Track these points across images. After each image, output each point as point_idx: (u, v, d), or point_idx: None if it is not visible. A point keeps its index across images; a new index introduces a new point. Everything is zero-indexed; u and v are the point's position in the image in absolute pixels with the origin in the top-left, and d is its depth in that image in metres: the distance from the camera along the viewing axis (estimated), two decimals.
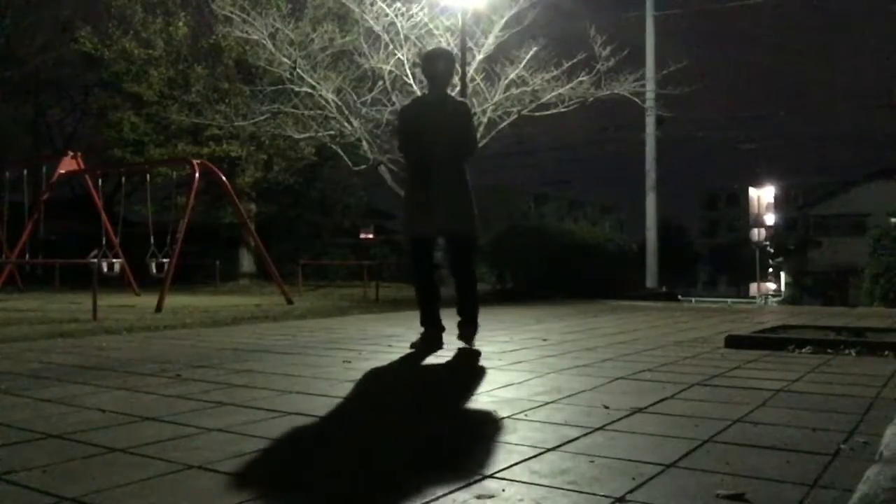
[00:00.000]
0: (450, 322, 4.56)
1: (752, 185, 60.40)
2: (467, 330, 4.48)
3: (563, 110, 14.95)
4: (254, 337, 5.43)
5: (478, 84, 15.45)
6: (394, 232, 28.53)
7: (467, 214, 4.46)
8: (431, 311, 4.53)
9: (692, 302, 17.29)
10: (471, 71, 14.69)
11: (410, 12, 14.91)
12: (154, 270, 10.96)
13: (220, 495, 1.67)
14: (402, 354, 4.26)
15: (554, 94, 14.77)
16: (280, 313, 7.89)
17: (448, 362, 3.97)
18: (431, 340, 4.44)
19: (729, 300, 24.52)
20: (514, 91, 15.62)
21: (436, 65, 4.60)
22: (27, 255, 12.55)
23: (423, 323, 4.54)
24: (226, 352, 4.45)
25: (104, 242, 12.81)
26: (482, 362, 3.92)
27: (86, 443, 2.15)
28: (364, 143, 16.31)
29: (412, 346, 4.43)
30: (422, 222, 4.43)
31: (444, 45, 15.02)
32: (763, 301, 32.88)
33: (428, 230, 4.48)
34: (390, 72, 15.39)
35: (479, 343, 4.85)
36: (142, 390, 3.06)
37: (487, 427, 2.38)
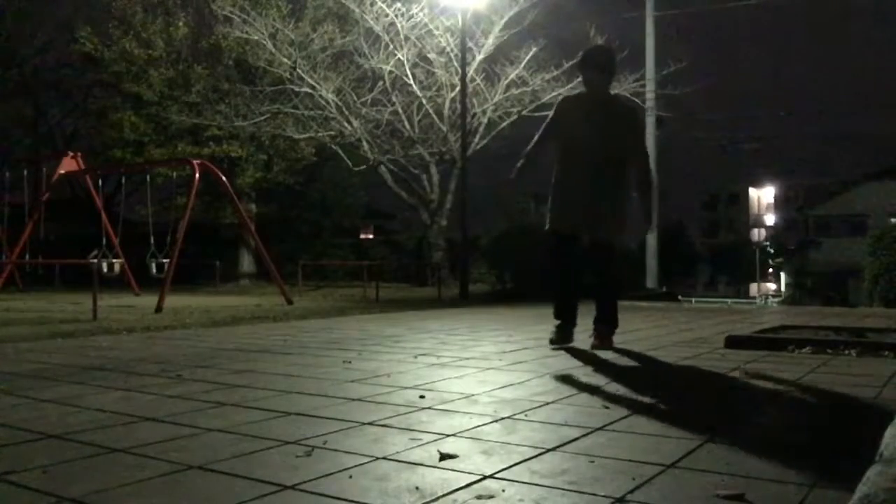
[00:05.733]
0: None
1: (752, 185, 60.47)
2: (603, 338, 4.43)
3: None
4: (254, 337, 5.43)
5: (478, 84, 15.46)
6: (394, 232, 28.53)
7: (614, 220, 4.45)
8: (570, 305, 4.50)
9: (692, 302, 17.29)
10: (471, 71, 14.70)
11: (410, 13, 14.91)
12: (154, 270, 10.97)
13: (220, 495, 1.67)
14: (403, 354, 4.26)
15: (554, 94, 14.78)
16: (280, 313, 7.89)
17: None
18: (566, 334, 4.46)
19: (729, 300, 24.53)
20: (514, 91, 15.60)
21: (594, 67, 4.46)
22: (27, 256, 12.55)
23: (557, 315, 4.51)
24: (226, 352, 4.45)
25: (104, 242, 12.82)
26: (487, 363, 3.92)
27: (86, 443, 2.16)
28: (364, 143, 16.30)
29: (550, 341, 4.44)
30: (571, 218, 4.39)
31: (443, 45, 15.04)
32: (763, 301, 32.91)
33: (575, 227, 4.43)
34: (390, 72, 15.39)
35: (479, 342, 4.85)
36: (142, 390, 3.06)
37: (489, 426, 2.38)
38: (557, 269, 4.58)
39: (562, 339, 4.43)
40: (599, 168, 4.31)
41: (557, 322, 4.49)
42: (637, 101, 16.05)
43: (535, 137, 4.56)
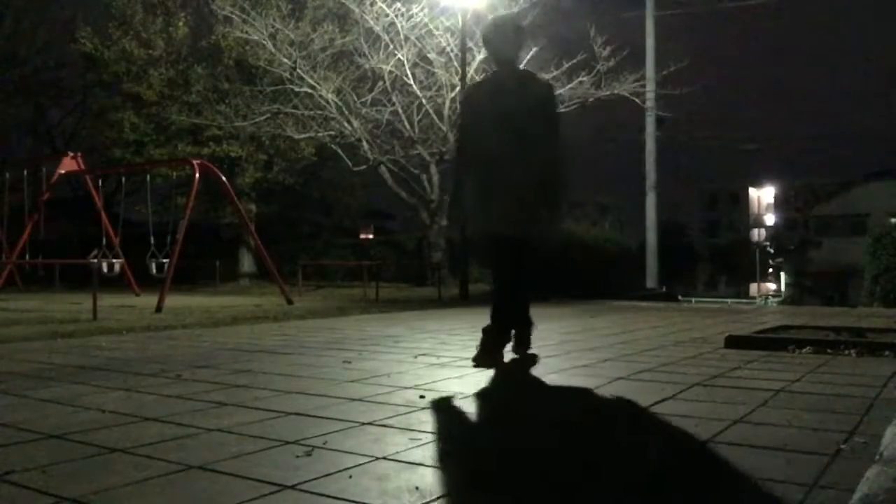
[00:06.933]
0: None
1: (752, 185, 60.52)
2: (523, 359, 3.90)
3: (563, 111, 14.96)
4: (254, 337, 5.43)
5: None
6: (393, 232, 28.56)
7: (532, 215, 3.77)
8: (504, 312, 3.85)
9: (692, 302, 17.30)
10: (471, 71, 14.70)
11: (410, 13, 14.90)
12: (154, 271, 10.96)
13: (220, 495, 1.67)
14: (403, 354, 4.26)
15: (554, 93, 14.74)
16: (280, 313, 7.89)
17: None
18: (494, 345, 3.77)
19: (729, 300, 24.51)
20: None
21: (496, 37, 3.90)
22: (27, 256, 12.55)
23: (493, 322, 3.86)
24: (226, 352, 4.45)
25: (104, 242, 12.82)
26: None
27: (86, 443, 2.16)
28: (364, 143, 16.30)
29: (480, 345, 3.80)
30: (489, 217, 3.82)
31: (443, 45, 15.05)
32: (763, 301, 32.89)
33: (494, 226, 3.81)
34: (390, 72, 15.39)
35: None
36: (142, 390, 3.06)
37: (490, 427, 2.38)
38: (495, 274, 4.02)
39: (490, 349, 3.76)
40: (512, 155, 3.71)
41: (490, 326, 3.85)
42: (637, 98, 16.04)
43: (456, 153, 4.02)
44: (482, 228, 3.90)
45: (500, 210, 3.74)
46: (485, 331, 3.80)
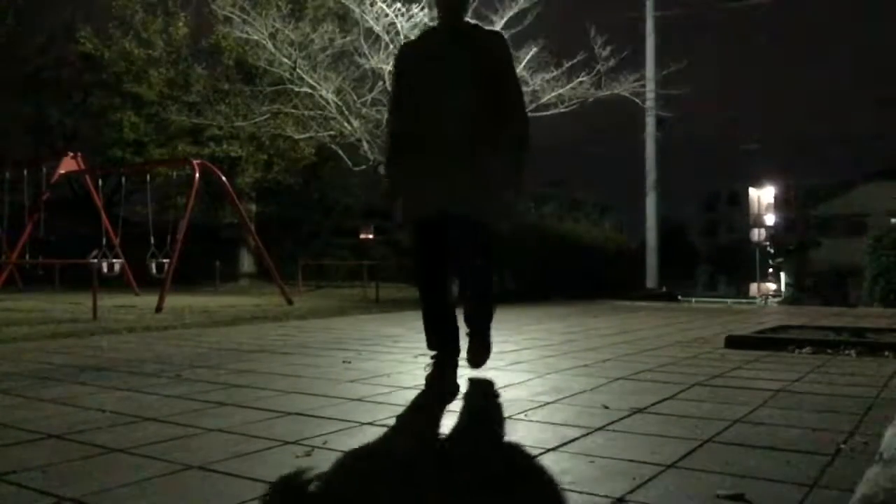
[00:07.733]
0: None
1: (752, 185, 60.52)
2: (477, 352, 3.31)
3: (563, 111, 14.95)
4: (254, 337, 5.43)
5: None
6: (394, 232, 28.57)
7: (484, 192, 3.06)
8: (444, 327, 3.21)
9: (692, 302, 17.29)
10: None
11: (410, 12, 14.92)
12: (154, 271, 10.96)
13: (220, 495, 1.67)
14: (403, 354, 4.26)
15: (554, 94, 14.76)
16: (280, 313, 7.89)
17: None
18: (445, 372, 3.13)
19: (729, 300, 24.50)
20: None
21: None
22: (27, 255, 12.55)
23: (430, 345, 3.25)
24: (226, 352, 4.45)
25: (104, 242, 12.81)
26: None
27: (86, 443, 2.15)
28: (364, 143, 16.32)
29: (427, 378, 3.13)
30: (423, 201, 3.13)
31: None
32: (763, 301, 32.88)
33: (431, 210, 3.10)
34: (390, 72, 15.40)
35: None
36: (142, 390, 3.06)
37: (488, 428, 2.38)
38: (419, 277, 3.25)
39: (439, 378, 3.09)
40: (457, 122, 3.05)
41: (432, 353, 3.21)
42: (637, 98, 16.02)
43: (389, 110, 3.41)
44: (419, 209, 3.16)
45: (443, 183, 3.05)
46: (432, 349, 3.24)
